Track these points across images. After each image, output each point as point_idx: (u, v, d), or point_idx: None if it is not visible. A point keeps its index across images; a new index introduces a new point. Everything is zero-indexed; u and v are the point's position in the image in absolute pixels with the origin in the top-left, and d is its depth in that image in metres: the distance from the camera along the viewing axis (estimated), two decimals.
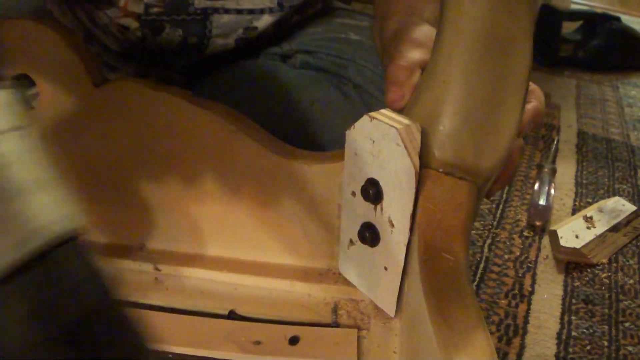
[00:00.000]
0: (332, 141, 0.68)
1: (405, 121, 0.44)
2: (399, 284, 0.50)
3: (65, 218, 0.31)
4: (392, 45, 0.57)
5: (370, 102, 0.72)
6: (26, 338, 0.28)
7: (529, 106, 0.51)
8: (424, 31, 0.55)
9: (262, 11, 0.78)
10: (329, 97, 0.72)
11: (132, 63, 0.79)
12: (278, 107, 0.72)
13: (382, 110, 0.47)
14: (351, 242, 0.54)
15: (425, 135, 0.45)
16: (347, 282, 0.56)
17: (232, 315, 0.55)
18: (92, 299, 0.31)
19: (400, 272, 0.49)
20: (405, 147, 0.43)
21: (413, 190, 0.45)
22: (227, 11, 0.76)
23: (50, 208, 0.31)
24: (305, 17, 0.85)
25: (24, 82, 0.58)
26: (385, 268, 0.51)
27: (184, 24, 0.73)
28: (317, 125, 0.70)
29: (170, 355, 0.50)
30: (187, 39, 0.75)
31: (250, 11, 0.77)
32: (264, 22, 0.78)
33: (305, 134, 0.69)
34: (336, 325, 0.54)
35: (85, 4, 0.72)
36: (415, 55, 0.53)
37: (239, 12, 0.76)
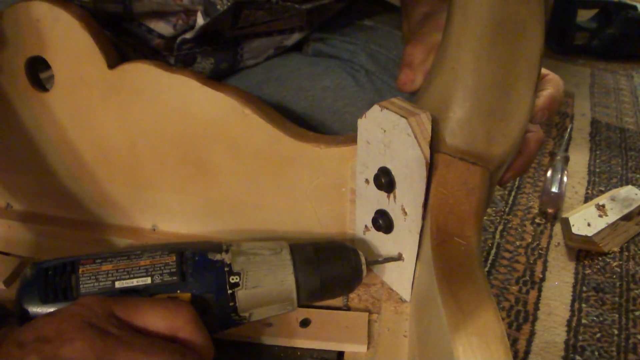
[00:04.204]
0: (344, 128, 0.68)
1: (416, 111, 0.44)
2: (413, 269, 0.50)
3: None
4: (416, 29, 0.57)
5: (383, 88, 0.72)
6: None
7: (545, 93, 0.50)
8: None
9: (292, 30, 0.76)
10: (341, 84, 0.72)
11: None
12: (291, 94, 0.72)
13: (393, 99, 0.47)
14: (366, 228, 0.54)
15: (435, 122, 0.45)
16: None
17: None
18: None
19: (415, 259, 0.49)
20: (416, 137, 0.43)
21: (424, 180, 0.45)
22: (257, 35, 0.74)
23: None
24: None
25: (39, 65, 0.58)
26: (400, 254, 0.51)
27: (216, 52, 0.72)
28: (329, 112, 0.69)
29: None
30: (218, 65, 0.74)
31: (281, 32, 0.76)
32: (293, 39, 0.77)
33: (318, 120, 0.69)
34: (347, 308, 0.54)
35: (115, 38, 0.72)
36: (434, 38, 0.52)
37: (269, 34, 0.75)
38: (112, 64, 0.56)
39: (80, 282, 0.43)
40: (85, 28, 0.55)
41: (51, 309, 0.42)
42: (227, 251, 0.46)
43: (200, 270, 0.45)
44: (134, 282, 0.43)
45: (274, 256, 0.47)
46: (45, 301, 0.43)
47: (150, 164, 0.59)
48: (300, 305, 0.53)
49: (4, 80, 0.59)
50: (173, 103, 0.55)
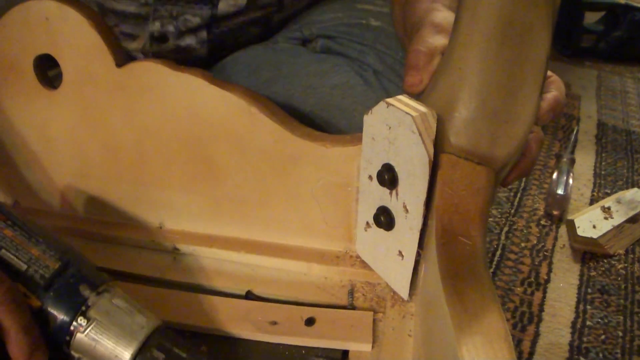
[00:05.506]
0: (351, 126, 0.68)
1: (421, 108, 0.44)
2: (412, 268, 0.50)
3: None
4: (414, 31, 0.57)
5: (390, 88, 0.72)
6: None
7: (549, 95, 0.50)
8: (447, 17, 0.55)
9: None
10: (350, 83, 0.72)
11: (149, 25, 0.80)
12: (298, 91, 0.72)
13: (400, 97, 0.47)
14: (368, 225, 0.54)
15: (441, 122, 0.45)
16: (363, 265, 0.57)
17: (249, 296, 0.55)
18: None
19: (414, 257, 0.49)
20: (420, 135, 0.43)
21: (427, 178, 0.45)
22: None
23: None
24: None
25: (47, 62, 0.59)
26: (400, 252, 0.51)
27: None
28: (338, 110, 0.70)
29: (187, 334, 0.51)
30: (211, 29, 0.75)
31: None
32: None
33: (325, 118, 0.69)
34: (352, 307, 0.54)
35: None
36: (436, 40, 0.52)
37: None
38: (120, 62, 0.56)
39: None
40: (93, 26, 0.55)
41: None
42: (100, 293, 0.44)
43: (64, 293, 0.43)
44: (13, 260, 0.43)
45: (132, 327, 0.44)
46: None
47: (157, 162, 0.59)
48: (305, 304, 0.54)
49: (12, 78, 0.59)
50: (180, 102, 0.56)
